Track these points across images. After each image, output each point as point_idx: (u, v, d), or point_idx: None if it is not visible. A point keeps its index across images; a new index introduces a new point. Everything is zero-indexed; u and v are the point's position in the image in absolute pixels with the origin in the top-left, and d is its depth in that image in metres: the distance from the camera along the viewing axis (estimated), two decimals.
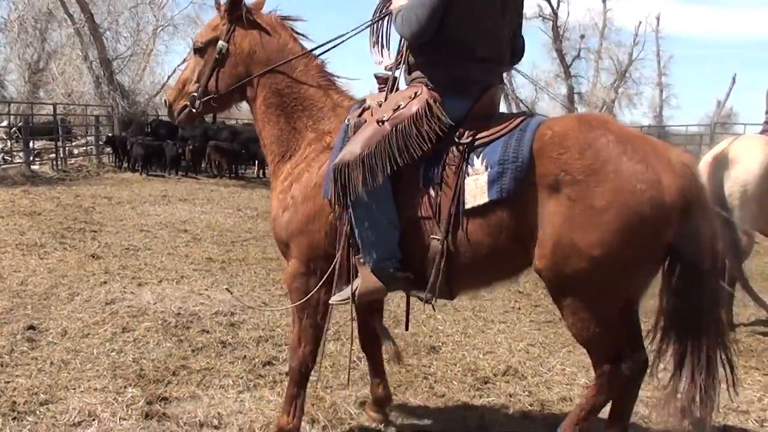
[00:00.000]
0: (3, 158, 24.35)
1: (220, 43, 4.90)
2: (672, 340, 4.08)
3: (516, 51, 4.67)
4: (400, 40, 4.55)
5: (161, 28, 37.06)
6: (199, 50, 5.04)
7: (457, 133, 4.23)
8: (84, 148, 29.73)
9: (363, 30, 4.81)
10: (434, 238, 4.23)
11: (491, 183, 4.04)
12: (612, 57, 56.85)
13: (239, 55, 4.90)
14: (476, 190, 4.10)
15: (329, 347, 6.73)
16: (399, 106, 4.27)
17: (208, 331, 7.08)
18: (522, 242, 4.09)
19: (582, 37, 56.69)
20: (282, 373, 6.03)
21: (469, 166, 4.15)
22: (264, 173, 26.81)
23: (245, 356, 6.44)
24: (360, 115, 4.47)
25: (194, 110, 5.04)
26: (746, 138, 9.45)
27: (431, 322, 7.73)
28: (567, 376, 6.44)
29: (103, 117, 31.46)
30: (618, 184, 3.80)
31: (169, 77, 38.28)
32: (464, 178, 4.14)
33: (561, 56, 55.88)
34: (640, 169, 3.81)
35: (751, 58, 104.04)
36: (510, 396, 5.89)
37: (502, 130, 4.16)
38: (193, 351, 6.52)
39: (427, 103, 4.23)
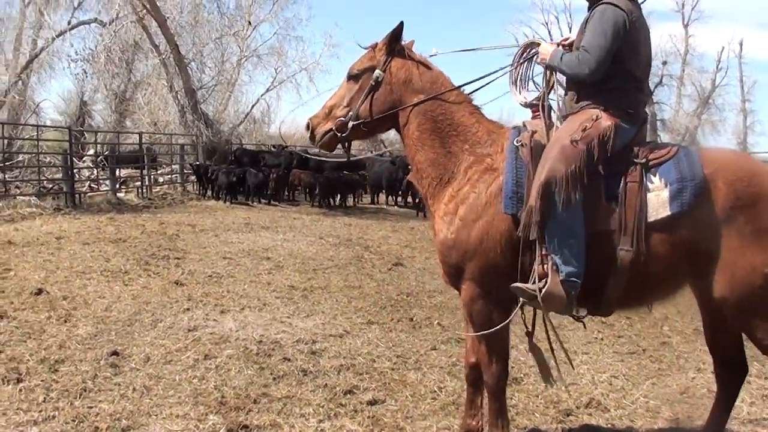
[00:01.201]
0: (90, 186, 24.88)
1: (377, 71, 5.24)
2: None
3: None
4: (547, 74, 5.11)
5: (245, 58, 37.62)
6: (354, 77, 5.36)
7: (633, 153, 4.72)
8: (169, 176, 30.31)
9: (505, 71, 5.41)
10: (622, 250, 4.60)
11: (672, 198, 4.55)
12: (694, 83, 56.16)
13: (395, 84, 5.25)
14: (658, 204, 4.57)
15: (409, 376, 6.71)
16: (586, 128, 4.68)
17: (289, 359, 7.08)
18: (694, 259, 4.58)
19: (664, 63, 56.11)
20: (363, 402, 6.02)
21: (653, 182, 4.62)
22: (354, 201, 26.99)
23: (326, 384, 6.42)
24: (532, 137, 4.85)
25: (340, 134, 5.32)
26: None
27: (513, 353, 7.56)
28: (650, 409, 6.31)
29: (188, 146, 31.99)
30: None
31: (252, 107, 38.94)
32: (646, 193, 4.61)
33: None
34: None
35: None
36: (593, 429, 5.80)
37: (666, 154, 4.71)
38: (274, 379, 6.53)
39: (613, 125, 4.71)
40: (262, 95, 39.32)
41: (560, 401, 6.32)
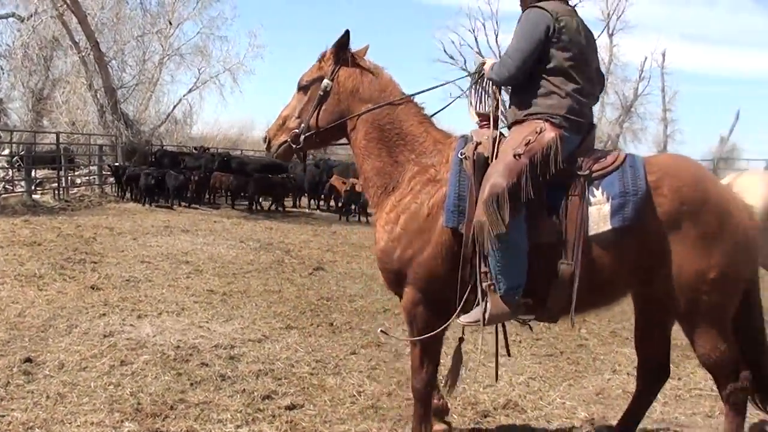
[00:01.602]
0: (4, 187, 24.32)
1: (325, 81, 5.32)
2: None
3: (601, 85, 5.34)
4: (492, 87, 5.31)
5: (168, 57, 37.24)
6: (304, 88, 5.45)
7: (577, 164, 4.80)
8: (87, 177, 29.77)
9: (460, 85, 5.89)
10: (563, 263, 4.69)
11: (614, 213, 4.61)
12: (617, 92, 57.06)
13: (342, 93, 5.33)
14: (599, 218, 4.64)
15: (328, 381, 6.72)
16: (529, 141, 4.71)
17: (207, 365, 7.03)
18: (639, 269, 4.73)
19: None
20: (281, 407, 6.01)
21: (594, 194, 4.70)
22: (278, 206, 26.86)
23: (244, 390, 6.38)
24: (475, 149, 4.90)
25: (294, 146, 5.43)
26: (750, 173, 9.48)
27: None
28: (567, 409, 6.43)
29: (107, 146, 31.38)
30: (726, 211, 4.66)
31: (174, 107, 38.53)
32: (587, 207, 4.68)
33: None
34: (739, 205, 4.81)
35: (754, 95, 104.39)
36: (509, 430, 5.89)
37: (611, 165, 4.78)
38: (191, 384, 6.47)
39: (556, 136, 4.74)
40: (184, 95, 39.03)
41: (478, 402, 6.40)
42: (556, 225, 4.71)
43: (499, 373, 7.10)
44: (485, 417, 6.12)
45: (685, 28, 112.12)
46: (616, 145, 54.16)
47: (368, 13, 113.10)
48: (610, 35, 55.86)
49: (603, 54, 55.01)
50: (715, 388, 7.00)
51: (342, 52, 5.34)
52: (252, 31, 44.33)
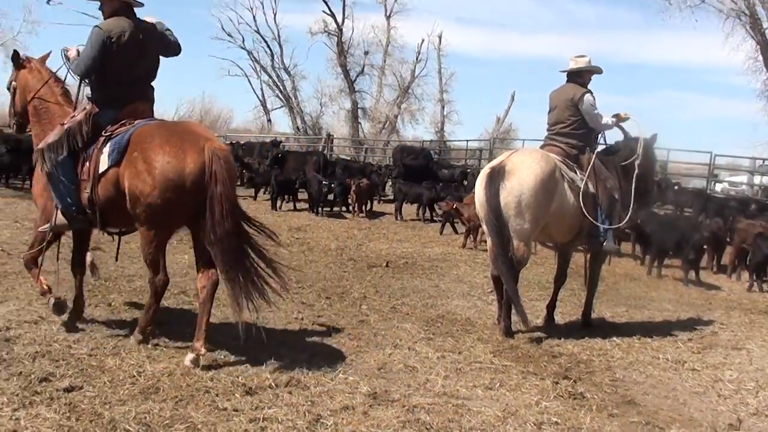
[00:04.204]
0: None
1: (13, 82, 8.17)
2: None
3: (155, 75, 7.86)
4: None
5: None
6: (8, 88, 8.32)
7: (105, 130, 7.28)
8: None
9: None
10: (86, 192, 7.21)
11: (109, 156, 7.03)
12: (395, 73, 58.27)
13: (20, 89, 8.10)
14: (103, 161, 7.07)
15: (107, 362, 6.64)
16: (74, 116, 7.41)
17: None
18: (124, 192, 6.92)
19: (366, 53, 57.87)
20: (59, 389, 5.89)
21: (105, 147, 7.12)
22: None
23: (21, 372, 6.22)
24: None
25: (16, 125, 8.41)
26: (523, 151, 10.04)
27: (213, 335, 7.66)
28: (350, 384, 6.58)
29: None
30: (161, 158, 6.75)
31: None
32: (101, 154, 7.11)
33: (345, 71, 56.90)
34: (173, 150, 6.78)
35: (529, 78, 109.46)
36: (293, 406, 5.97)
37: (121, 129, 7.20)
38: None
39: (88, 113, 7.37)
40: None
41: (261, 381, 6.46)
42: (87, 167, 7.20)
43: (281, 351, 7.28)
44: (267, 394, 6.20)
45: (461, 12, 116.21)
46: (394, 126, 55.43)
47: None
48: (388, 17, 57.02)
49: (381, 36, 56.19)
50: (495, 360, 7.49)
51: (16, 61, 8.12)
52: (27, 6, 42.48)
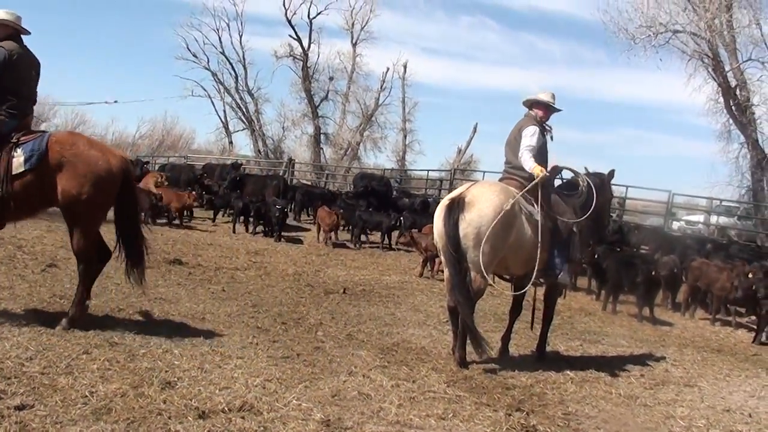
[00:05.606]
0: None
1: None
2: None
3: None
4: None
5: None
6: None
7: (12, 136, 8.37)
8: None
9: None
10: (1, 191, 8.22)
11: (26, 161, 8.22)
12: (359, 100, 58.28)
13: None
14: (18, 164, 8.23)
15: (60, 381, 6.56)
16: None
17: None
18: (44, 191, 8.29)
19: (331, 79, 57.86)
20: (10, 407, 5.80)
21: (16, 152, 8.27)
22: None
23: None
24: None
25: None
26: (483, 183, 10.04)
27: (167, 357, 7.64)
28: (303, 411, 6.54)
29: None
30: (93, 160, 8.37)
31: None
32: (13, 157, 8.25)
33: (309, 96, 56.83)
34: (98, 155, 8.45)
35: (491, 110, 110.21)
36: (245, 431, 5.94)
37: (32, 137, 8.42)
38: None
39: None
40: None
41: (214, 405, 6.39)
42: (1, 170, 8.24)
43: (235, 375, 7.25)
44: (219, 418, 6.14)
45: (427, 42, 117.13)
46: (356, 153, 55.48)
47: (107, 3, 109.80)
48: (354, 45, 57.15)
49: (346, 63, 56.42)
50: (449, 390, 7.50)
51: None
52: None
